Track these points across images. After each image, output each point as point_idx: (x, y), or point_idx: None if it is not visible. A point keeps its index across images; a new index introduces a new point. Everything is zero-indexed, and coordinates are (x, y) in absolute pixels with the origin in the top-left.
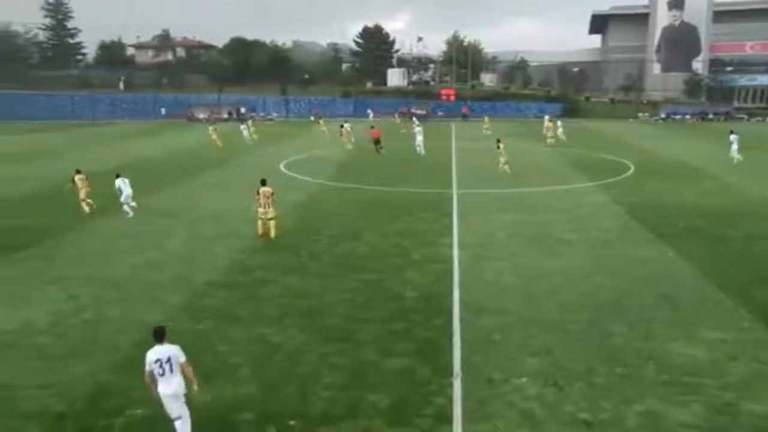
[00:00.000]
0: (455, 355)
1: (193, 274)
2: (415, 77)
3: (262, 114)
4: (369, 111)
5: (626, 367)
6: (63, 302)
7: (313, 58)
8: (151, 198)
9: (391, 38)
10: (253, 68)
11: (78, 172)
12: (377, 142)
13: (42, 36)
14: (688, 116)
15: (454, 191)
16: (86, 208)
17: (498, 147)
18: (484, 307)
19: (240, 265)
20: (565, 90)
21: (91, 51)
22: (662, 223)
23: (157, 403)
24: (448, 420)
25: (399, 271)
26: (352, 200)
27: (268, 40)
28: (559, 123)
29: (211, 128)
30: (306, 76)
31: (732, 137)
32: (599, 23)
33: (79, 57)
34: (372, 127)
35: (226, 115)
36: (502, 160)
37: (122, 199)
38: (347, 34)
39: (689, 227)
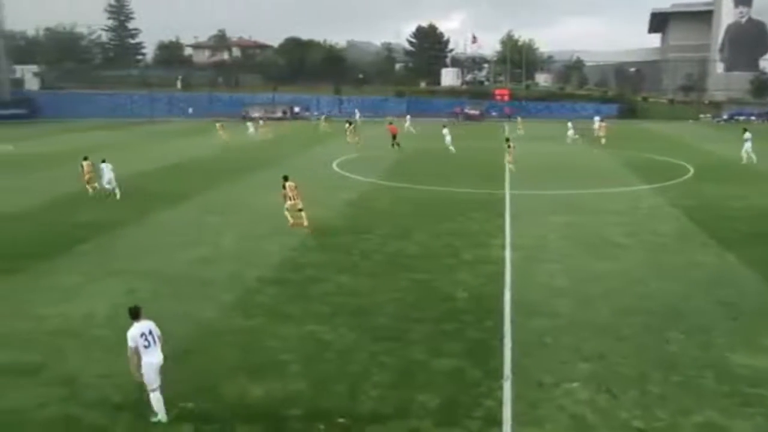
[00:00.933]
0: (506, 357)
1: (245, 271)
2: (468, 77)
3: (315, 113)
4: (356, 111)
5: (683, 375)
6: (121, 295)
7: (367, 58)
8: (204, 195)
9: (445, 38)
10: (307, 68)
11: (85, 158)
12: (394, 137)
13: (104, 37)
14: (753, 117)
15: (507, 192)
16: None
17: (508, 146)
18: (536, 309)
19: (291, 262)
20: (622, 90)
21: (150, 51)
22: (723, 228)
23: (136, 380)
24: (498, 423)
25: (450, 271)
26: (404, 199)
27: (322, 40)
28: (569, 125)
29: (218, 125)
30: (360, 76)
31: (746, 135)
32: (659, 22)
33: (139, 57)
34: (390, 123)
35: (280, 114)
36: (508, 158)
37: (104, 182)
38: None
39: (754, 233)
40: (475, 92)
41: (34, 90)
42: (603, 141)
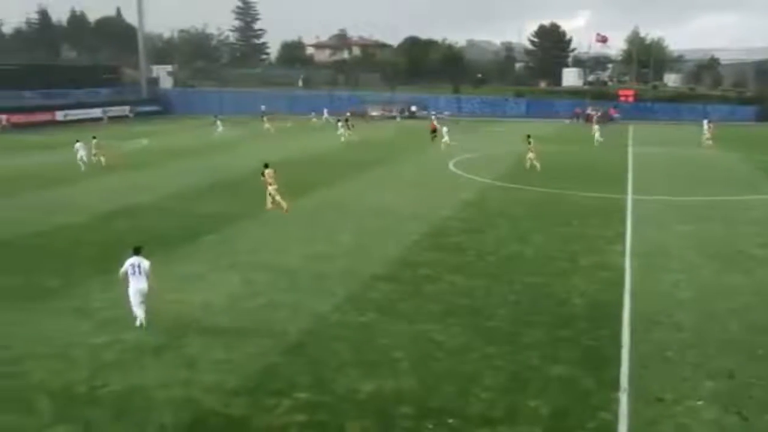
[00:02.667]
0: (623, 368)
1: (359, 267)
2: (591, 77)
3: (433, 112)
4: (324, 109)
5: None
6: (239, 286)
7: (487, 57)
8: (322, 192)
9: (568, 37)
10: (426, 67)
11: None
12: (433, 131)
13: (232, 38)
14: None
15: (629, 197)
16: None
17: (529, 143)
18: (657, 320)
19: (406, 260)
20: (763, 91)
21: (273, 50)
22: None
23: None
24: None
25: (566, 276)
26: (520, 201)
27: (441, 39)
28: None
29: (265, 118)
30: (478, 76)
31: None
32: None
33: (263, 56)
34: (432, 119)
35: (398, 113)
36: (531, 156)
37: (77, 158)
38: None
39: None
40: (598, 93)
41: (168, 88)
42: (710, 143)
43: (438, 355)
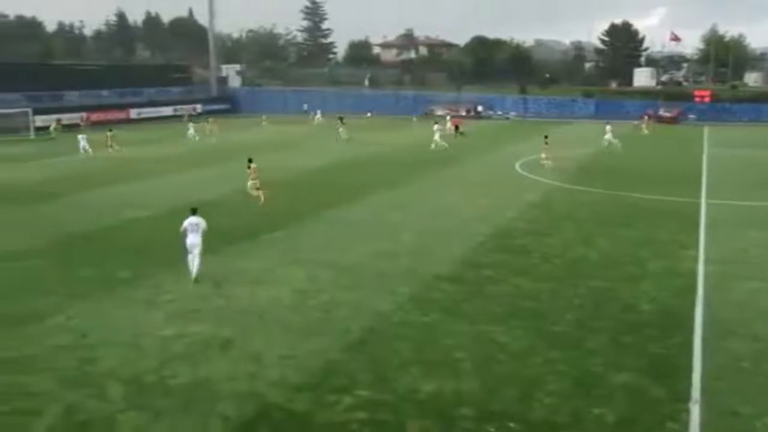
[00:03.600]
0: (694, 378)
1: (422, 267)
2: (665, 77)
3: (500, 112)
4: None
5: None
6: (303, 282)
7: (555, 57)
8: (387, 191)
9: (641, 36)
10: (492, 67)
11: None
12: (456, 128)
13: (300, 37)
14: None
15: (703, 200)
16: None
17: (545, 143)
18: (732, 329)
19: (469, 261)
20: None
21: (340, 50)
22: None
23: (189, 252)
24: None
25: (633, 281)
26: (586, 203)
27: (509, 39)
28: (607, 128)
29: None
30: (546, 76)
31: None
32: None
33: (330, 56)
34: (452, 117)
35: (464, 113)
36: (543, 155)
37: (80, 147)
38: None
39: None
40: (671, 93)
41: (236, 87)
42: None
43: (500, 357)
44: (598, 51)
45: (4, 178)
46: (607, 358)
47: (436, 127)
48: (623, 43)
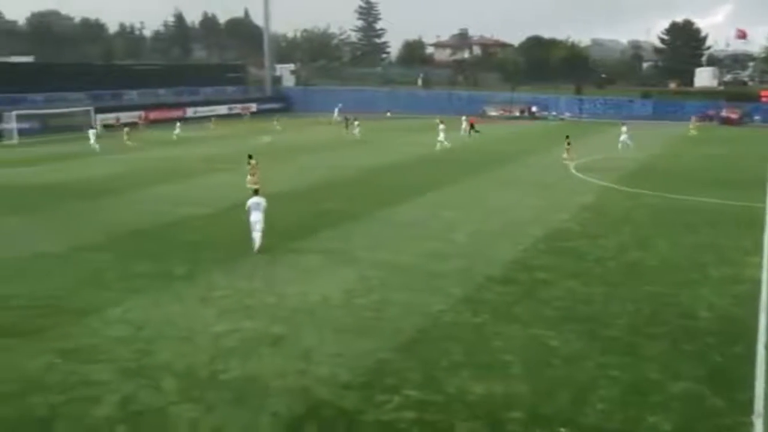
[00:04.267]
0: (757, 390)
1: (474, 268)
2: (728, 77)
3: (554, 113)
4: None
5: None
6: (355, 282)
7: (613, 57)
8: (440, 191)
9: (703, 34)
10: (547, 67)
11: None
12: (472, 126)
13: (353, 37)
14: None
15: None
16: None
17: (567, 143)
18: None
19: (522, 263)
20: None
21: (394, 50)
22: None
23: (253, 228)
24: None
25: (693, 287)
26: (644, 206)
27: (565, 38)
28: (623, 129)
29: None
30: (603, 76)
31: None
32: None
33: (384, 55)
34: (467, 117)
35: (517, 114)
36: (565, 155)
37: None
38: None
39: None
40: (735, 94)
41: (290, 86)
42: None
43: (552, 361)
44: (657, 50)
45: (67, 174)
46: (664, 365)
47: (441, 127)
48: (684, 41)
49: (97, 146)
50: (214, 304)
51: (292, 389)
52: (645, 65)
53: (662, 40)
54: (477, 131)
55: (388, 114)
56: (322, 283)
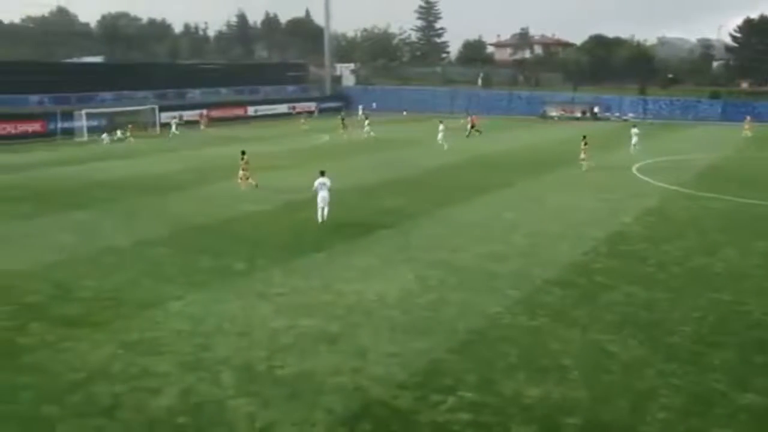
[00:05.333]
0: None
1: (533, 270)
2: None
3: (617, 114)
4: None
5: None
6: (412, 281)
7: (680, 56)
8: (500, 192)
9: None
10: (611, 67)
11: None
12: (472, 126)
13: (413, 37)
14: None
15: None
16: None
17: (584, 143)
18: None
19: (581, 266)
20: None
21: (454, 49)
22: None
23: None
24: None
25: (764, 295)
26: (711, 211)
27: (630, 37)
28: (633, 131)
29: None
30: (669, 76)
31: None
32: None
33: (444, 55)
34: (470, 116)
35: (579, 115)
36: (582, 156)
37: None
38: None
39: None
40: None
41: (350, 86)
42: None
43: (611, 367)
44: (728, 48)
45: (133, 170)
46: (731, 375)
47: (440, 127)
48: (759, 39)
49: (177, 131)
50: (272, 300)
51: (346, 387)
52: (715, 64)
53: (734, 38)
54: (479, 131)
55: (404, 113)
56: (380, 282)
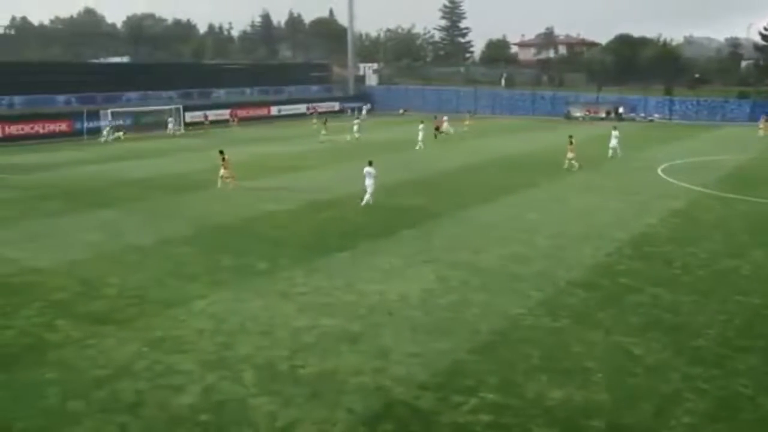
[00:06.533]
0: None
1: (556, 272)
2: None
3: (642, 114)
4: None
5: None
6: (434, 282)
7: (707, 55)
8: (523, 192)
9: None
10: (636, 66)
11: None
12: (437, 128)
13: (437, 36)
14: None
15: None
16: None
17: (570, 142)
18: None
19: (605, 268)
20: None
21: (477, 49)
22: None
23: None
24: None
25: None
26: (739, 213)
27: (656, 36)
28: (614, 133)
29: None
30: (696, 75)
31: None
32: None
33: (467, 55)
34: (436, 117)
35: (603, 115)
36: (570, 155)
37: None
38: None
39: None
40: None
41: (373, 85)
42: None
43: (635, 369)
44: (758, 48)
45: (157, 169)
46: (758, 380)
47: (420, 126)
48: None
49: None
50: (294, 299)
51: (368, 387)
52: (743, 64)
53: (764, 37)
54: (442, 133)
55: (401, 111)
56: (402, 283)
